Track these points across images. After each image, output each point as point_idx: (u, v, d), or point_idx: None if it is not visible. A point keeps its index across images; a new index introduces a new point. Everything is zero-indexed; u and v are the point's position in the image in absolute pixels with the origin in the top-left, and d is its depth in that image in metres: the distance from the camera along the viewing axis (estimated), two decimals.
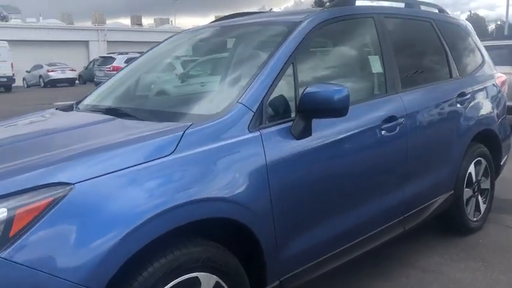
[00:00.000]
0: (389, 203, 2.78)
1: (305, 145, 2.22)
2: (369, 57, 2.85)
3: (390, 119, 2.71)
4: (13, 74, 23.07)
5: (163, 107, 2.75)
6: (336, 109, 2.16)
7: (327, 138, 2.34)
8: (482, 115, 3.59)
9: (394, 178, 2.81)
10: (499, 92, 3.93)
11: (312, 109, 2.17)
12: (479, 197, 3.69)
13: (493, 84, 3.88)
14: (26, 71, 28.49)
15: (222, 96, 2.39)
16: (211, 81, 3.08)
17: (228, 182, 1.93)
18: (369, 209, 2.63)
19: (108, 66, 21.06)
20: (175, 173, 1.81)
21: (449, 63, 3.47)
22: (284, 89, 2.30)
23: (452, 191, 3.38)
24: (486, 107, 3.68)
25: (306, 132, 2.22)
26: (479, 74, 3.78)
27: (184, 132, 1.93)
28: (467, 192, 3.53)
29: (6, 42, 22.82)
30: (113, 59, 22.07)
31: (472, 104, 3.50)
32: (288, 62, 2.31)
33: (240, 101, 2.13)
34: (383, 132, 2.65)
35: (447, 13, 3.86)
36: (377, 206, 2.69)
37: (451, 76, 3.48)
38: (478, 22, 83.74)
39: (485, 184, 3.75)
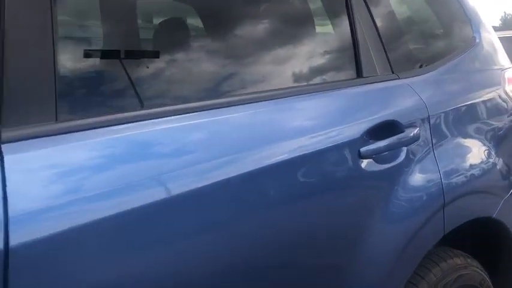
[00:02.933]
0: None
1: None
2: None
3: None
4: None
5: None
6: None
7: None
8: (463, 185, 1.28)
9: None
10: None
11: None
12: None
13: (500, 97, 1.55)
14: None
15: None
16: None
17: None
18: None
19: None
20: None
21: (356, 41, 1.18)
22: None
23: None
24: (477, 163, 1.34)
25: None
26: (457, 69, 1.45)
27: None
28: None
29: None
30: None
31: (428, 157, 1.19)
32: None
33: None
34: None
35: None
36: None
37: (360, 74, 1.19)
38: None
39: None
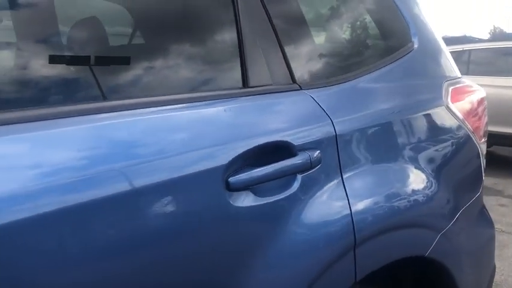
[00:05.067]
0: None
1: None
2: None
3: None
4: None
5: None
6: None
7: None
8: (383, 218, 1.04)
9: None
10: (466, 138, 1.32)
11: None
12: None
13: (445, 110, 1.30)
14: None
15: None
16: None
17: None
18: None
19: None
20: None
21: (242, 43, 0.94)
22: None
23: None
24: (401, 190, 1.10)
25: None
26: (383, 79, 1.20)
27: None
28: None
29: None
30: None
31: (334, 185, 0.95)
32: None
33: None
34: None
35: None
36: None
37: (246, 84, 0.96)
38: None
39: None
